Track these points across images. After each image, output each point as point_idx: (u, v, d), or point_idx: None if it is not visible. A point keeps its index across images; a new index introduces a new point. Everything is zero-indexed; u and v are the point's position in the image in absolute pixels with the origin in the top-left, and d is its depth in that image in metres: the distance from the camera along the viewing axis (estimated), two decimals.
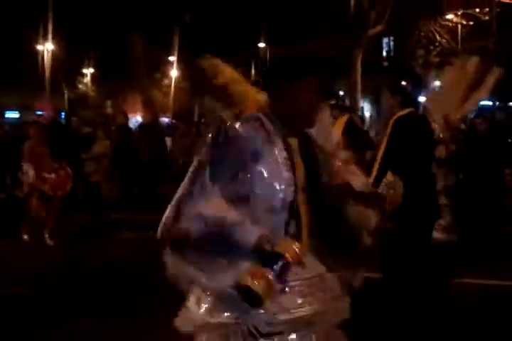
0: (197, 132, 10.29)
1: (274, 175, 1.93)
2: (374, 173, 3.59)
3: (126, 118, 10.48)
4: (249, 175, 1.91)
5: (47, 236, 6.87)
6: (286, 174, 1.95)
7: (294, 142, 2.03)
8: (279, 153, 1.96)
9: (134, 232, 7.33)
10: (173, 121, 15.67)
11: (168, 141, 10.38)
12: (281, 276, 1.79)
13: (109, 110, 25.91)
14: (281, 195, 1.93)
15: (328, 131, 2.17)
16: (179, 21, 22.78)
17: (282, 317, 1.87)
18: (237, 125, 1.95)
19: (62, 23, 20.52)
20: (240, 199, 1.90)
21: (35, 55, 22.80)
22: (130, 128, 10.63)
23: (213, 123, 1.98)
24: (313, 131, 2.11)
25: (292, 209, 1.97)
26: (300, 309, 1.91)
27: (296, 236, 1.96)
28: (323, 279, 2.01)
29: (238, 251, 1.82)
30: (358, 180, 2.08)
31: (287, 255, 1.80)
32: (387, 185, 3.51)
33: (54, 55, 23.11)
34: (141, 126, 11.09)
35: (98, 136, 9.09)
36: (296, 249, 1.83)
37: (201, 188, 1.89)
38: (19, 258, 5.98)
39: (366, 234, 2.07)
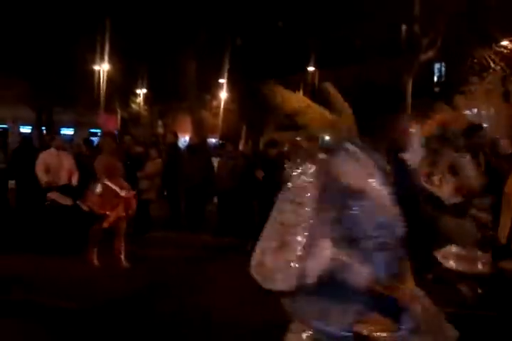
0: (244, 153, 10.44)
1: (381, 211, 1.84)
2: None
3: (176, 138, 10.68)
4: (352, 212, 1.83)
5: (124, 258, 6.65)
6: (394, 209, 1.86)
7: (388, 168, 1.98)
8: (381, 186, 1.86)
9: (177, 251, 7.43)
10: (221, 141, 15.86)
11: (215, 161, 10.51)
12: (397, 320, 1.78)
13: (160, 130, 26.45)
14: (393, 232, 1.86)
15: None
16: (230, 44, 23.20)
17: None
18: (328, 158, 1.88)
19: (118, 44, 21.23)
20: (345, 238, 1.84)
21: (91, 75, 23.56)
22: (179, 148, 10.81)
23: (298, 155, 1.95)
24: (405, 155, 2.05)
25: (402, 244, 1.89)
26: None
27: (403, 273, 1.89)
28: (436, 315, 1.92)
29: (351, 296, 1.80)
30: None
31: (400, 299, 1.77)
32: None
33: (109, 76, 23.86)
34: (189, 146, 11.26)
35: (151, 154, 9.26)
36: (408, 291, 1.79)
37: (306, 226, 1.81)
38: (66, 273, 6.10)
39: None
